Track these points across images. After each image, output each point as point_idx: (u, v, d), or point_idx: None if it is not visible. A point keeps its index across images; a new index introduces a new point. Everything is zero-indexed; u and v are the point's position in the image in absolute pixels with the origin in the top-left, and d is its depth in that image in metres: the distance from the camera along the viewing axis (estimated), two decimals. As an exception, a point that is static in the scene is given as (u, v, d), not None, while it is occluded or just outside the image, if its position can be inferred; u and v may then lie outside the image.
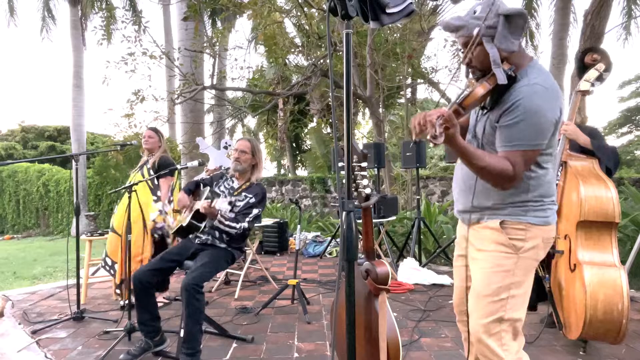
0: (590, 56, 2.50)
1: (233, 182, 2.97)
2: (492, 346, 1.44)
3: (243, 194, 2.86)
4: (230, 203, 2.61)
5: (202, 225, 2.74)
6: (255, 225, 4.44)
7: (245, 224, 2.71)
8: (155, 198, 3.57)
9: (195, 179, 3.15)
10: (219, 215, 2.57)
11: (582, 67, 2.54)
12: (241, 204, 2.81)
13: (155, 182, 3.60)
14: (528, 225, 1.44)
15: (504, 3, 1.39)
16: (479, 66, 1.45)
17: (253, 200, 2.81)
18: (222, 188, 2.95)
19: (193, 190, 2.96)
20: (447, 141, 1.29)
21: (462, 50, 1.48)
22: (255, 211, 2.79)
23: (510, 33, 1.37)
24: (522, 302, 1.47)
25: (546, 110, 1.36)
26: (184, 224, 2.74)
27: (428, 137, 1.27)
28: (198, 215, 2.70)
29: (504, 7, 1.36)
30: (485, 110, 1.49)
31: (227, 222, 2.64)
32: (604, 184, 2.39)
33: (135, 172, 3.70)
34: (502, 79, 1.36)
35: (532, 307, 2.83)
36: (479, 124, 1.53)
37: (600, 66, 2.45)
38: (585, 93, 2.50)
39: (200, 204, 2.59)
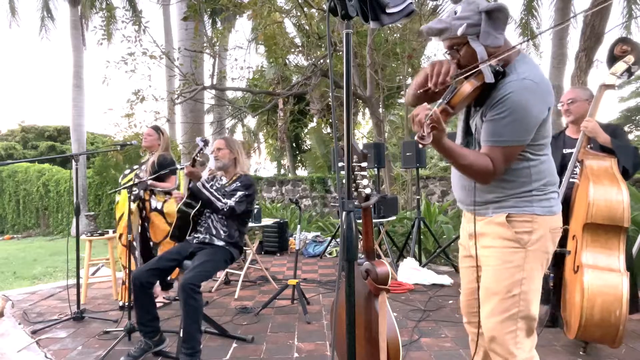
0: (620, 47, 2.36)
1: (222, 180, 3.07)
2: (506, 344, 1.43)
3: (232, 185, 2.95)
4: (205, 141, 2.78)
5: (194, 210, 2.81)
6: (255, 225, 4.48)
7: (232, 203, 2.77)
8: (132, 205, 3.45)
9: None
10: (202, 179, 2.71)
11: (612, 59, 2.40)
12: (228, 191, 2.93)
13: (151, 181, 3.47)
14: (534, 216, 1.43)
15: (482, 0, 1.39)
16: (468, 66, 1.44)
17: (239, 184, 2.91)
18: (213, 188, 2.99)
19: None
20: (433, 142, 1.29)
21: (448, 53, 1.48)
22: (240, 193, 2.85)
23: (493, 28, 1.37)
24: (535, 298, 1.46)
25: (533, 107, 1.36)
26: (177, 210, 2.87)
27: (416, 137, 1.28)
28: (191, 200, 2.83)
29: (484, 4, 1.36)
30: (478, 107, 1.49)
31: (211, 190, 2.73)
32: (616, 186, 2.29)
33: (134, 171, 3.67)
34: (489, 78, 1.36)
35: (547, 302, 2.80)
36: (472, 119, 1.53)
37: (630, 58, 2.31)
38: (610, 87, 2.35)
39: (185, 167, 2.75)
